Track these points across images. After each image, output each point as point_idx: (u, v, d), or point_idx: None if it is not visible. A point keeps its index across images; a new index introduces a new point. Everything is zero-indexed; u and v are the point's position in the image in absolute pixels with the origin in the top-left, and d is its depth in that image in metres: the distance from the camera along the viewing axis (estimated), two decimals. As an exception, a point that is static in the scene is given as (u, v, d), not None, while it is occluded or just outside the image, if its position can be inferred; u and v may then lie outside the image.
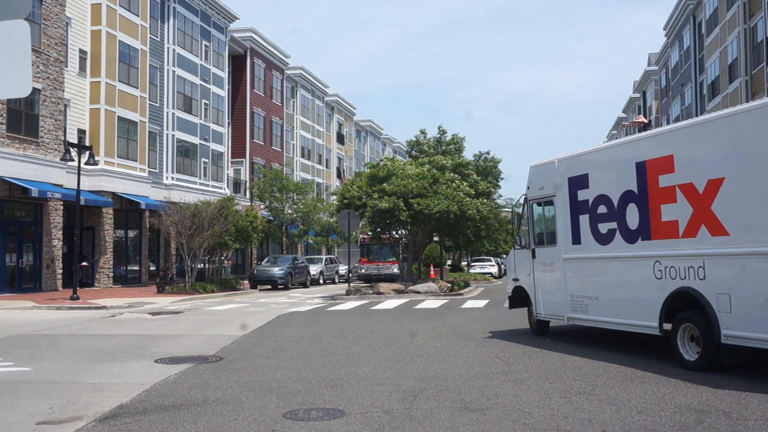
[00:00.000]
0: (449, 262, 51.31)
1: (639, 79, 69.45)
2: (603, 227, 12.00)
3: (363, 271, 42.00)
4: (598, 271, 12.37)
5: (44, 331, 16.32)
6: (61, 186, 30.32)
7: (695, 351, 9.88)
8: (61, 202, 31.03)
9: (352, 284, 32.78)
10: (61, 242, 31.40)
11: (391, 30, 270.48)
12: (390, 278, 38.17)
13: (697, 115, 41.99)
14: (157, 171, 40.18)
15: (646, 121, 24.75)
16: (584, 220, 12.52)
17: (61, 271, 31.41)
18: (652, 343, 12.15)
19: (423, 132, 53.23)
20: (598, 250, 12.16)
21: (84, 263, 33.78)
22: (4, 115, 27.99)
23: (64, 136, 31.90)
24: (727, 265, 9.35)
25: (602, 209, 12.02)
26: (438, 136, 52.84)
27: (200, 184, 44.24)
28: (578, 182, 12.75)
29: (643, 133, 12.51)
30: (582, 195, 12.62)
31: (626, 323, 11.50)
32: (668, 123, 52.68)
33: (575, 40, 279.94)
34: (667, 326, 10.51)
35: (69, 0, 32.52)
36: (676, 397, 8.16)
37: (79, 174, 26.27)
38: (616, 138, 63.43)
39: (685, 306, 10.08)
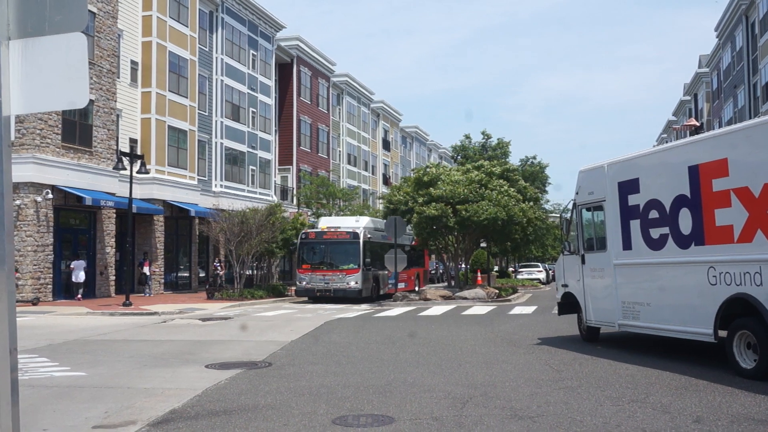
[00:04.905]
0: (496, 268, 50.91)
1: (690, 81, 68.10)
2: (655, 232, 11.79)
3: (304, 283, 31.03)
4: (650, 277, 12.16)
5: (98, 336, 16.68)
6: (113, 194, 30.95)
7: (752, 359, 9.64)
8: (114, 210, 31.68)
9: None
10: (114, 249, 32.04)
11: (437, 36, 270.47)
12: (345, 296, 29.86)
13: (750, 118, 41.00)
14: (206, 179, 40.76)
15: (698, 124, 24.25)
16: (635, 225, 12.32)
17: (114, 277, 32.05)
18: (705, 350, 11.89)
19: (468, 137, 52.93)
20: (650, 256, 11.94)
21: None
22: (60, 125, 28.71)
23: (117, 145, 32.59)
24: (785, 271, 9.10)
25: (654, 214, 11.81)
26: (483, 140, 52.47)
27: (248, 191, 44.74)
28: (629, 187, 12.55)
29: (696, 137, 12.29)
30: (633, 200, 12.43)
31: (680, 330, 11.27)
32: (720, 126, 51.55)
33: (623, 43, 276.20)
34: (722, 333, 10.28)
35: (121, 12, 33.24)
36: (733, 406, 7.96)
37: (131, 182, 26.85)
38: (667, 142, 62.40)
39: (742, 312, 9.85)
